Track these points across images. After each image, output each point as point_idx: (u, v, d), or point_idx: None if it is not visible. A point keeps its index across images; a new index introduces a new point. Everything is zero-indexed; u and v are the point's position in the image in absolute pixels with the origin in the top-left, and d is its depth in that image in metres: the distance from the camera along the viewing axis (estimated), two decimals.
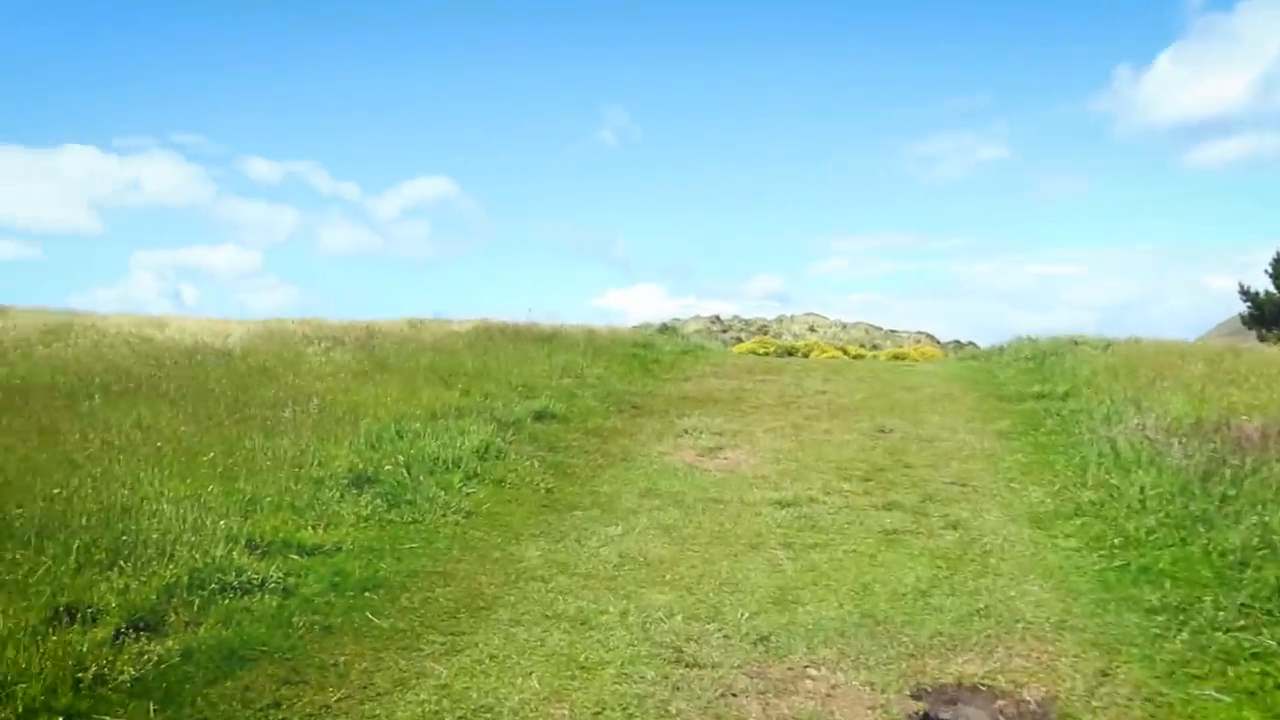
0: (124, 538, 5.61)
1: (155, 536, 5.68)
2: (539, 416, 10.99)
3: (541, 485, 8.30)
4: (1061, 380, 14.12)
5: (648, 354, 18.06)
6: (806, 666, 4.73)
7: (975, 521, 7.44)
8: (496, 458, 8.83)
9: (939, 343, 34.26)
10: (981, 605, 5.57)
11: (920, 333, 36.09)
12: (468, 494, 7.71)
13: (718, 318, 40.06)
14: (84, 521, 5.75)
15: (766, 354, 25.48)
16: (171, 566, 5.40)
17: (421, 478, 7.78)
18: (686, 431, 11.06)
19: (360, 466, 7.70)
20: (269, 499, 6.74)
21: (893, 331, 36.06)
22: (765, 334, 34.70)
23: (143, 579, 5.23)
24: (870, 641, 5.04)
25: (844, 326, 36.41)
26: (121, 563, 5.36)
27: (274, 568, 5.66)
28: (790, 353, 27.40)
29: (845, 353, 26.99)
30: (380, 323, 18.45)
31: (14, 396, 8.53)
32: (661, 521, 7.37)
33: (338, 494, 7.14)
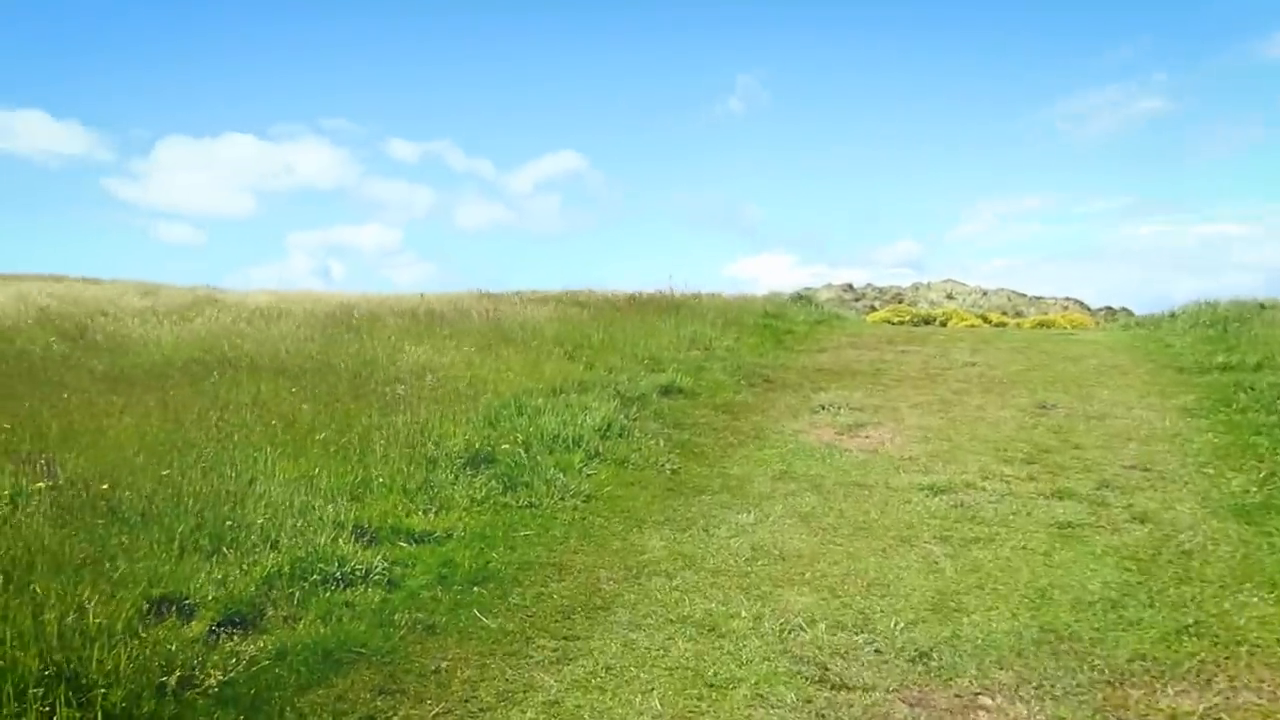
0: (229, 522, 5.35)
1: (261, 522, 5.40)
2: (665, 391, 10.42)
3: (667, 466, 7.72)
4: (1251, 350, 12.49)
5: (780, 324, 17.22)
6: (978, 693, 3.98)
7: (1166, 514, 6.41)
8: (619, 436, 8.30)
9: (1088, 309, 31.95)
10: (1190, 620, 4.65)
11: (1068, 299, 33.78)
12: (588, 475, 7.22)
13: (850, 286, 38.73)
14: (191, 504, 5.53)
15: (901, 323, 24.32)
16: (274, 555, 5.10)
17: (540, 457, 7.33)
18: (823, 407, 10.26)
19: (477, 445, 7.32)
20: (380, 481, 6.41)
21: (1037, 298, 33.91)
22: (900, 302, 33.39)
23: (244, 568, 4.94)
24: (1054, 663, 4.22)
25: (984, 293, 34.45)
26: (225, 549, 5.10)
27: (380, 556, 5.29)
28: (927, 321, 26.15)
29: (986, 320, 25.35)
30: (507, 295, 18.30)
31: (142, 374, 8.57)
32: (798, 509, 6.67)
33: (452, 475, 6.76)
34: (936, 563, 5.57)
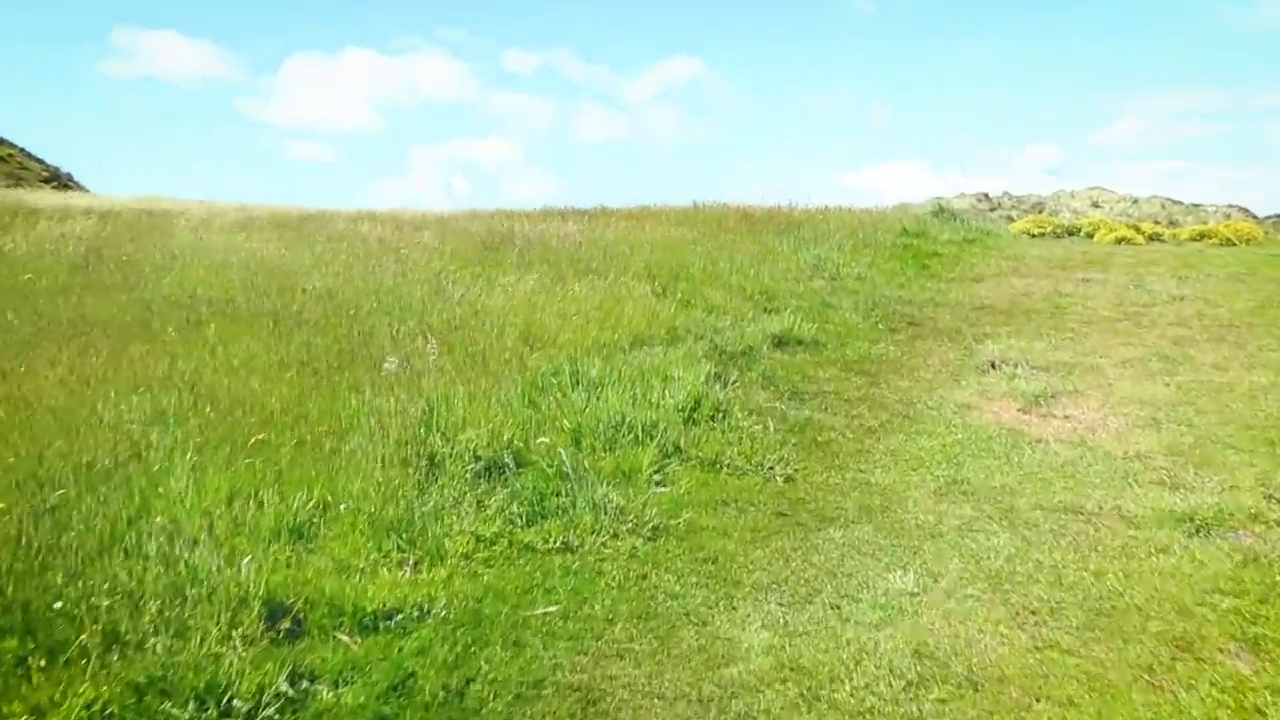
0: (61, 602, 3.33)
1: (123, 609, 3.36)
2: (779, 342, 7.98)
3: (778, 471, 5.35)
4: None
5: (922, 244, 14.32)
6: None
7: None
8: (712, 420, 5.96)
9: (1255, 218, 27.60)
10: None
11: (1230, 206, 29.50)
12: (658, 492, 4.92)
13: (985, 195, 34.21)
14: (31, 556, 3.54)
15: (1042, 234, 21.47)
16: (124, 666, 3.06)
17: (592, 459, 5.09)
18: (994, 365, 7.63)
19: (501, 440, 5.10)
20: (346, 504, 4.29)
21: (1195, 205, 29.79)
22: (1040, 211, 29.98)
23: (76, 689, 2.93)
24: None
25: (1134, 201, 30.53)
26: (33, 658, 3.08)
27: (290, 671, 3.18)
28: (1071, 232, 23.41)
29: (1138, 231, 21.79)
30: (595, 211, 15.93)
31: (114, 319, 6.68)
32: (982, 561, 4.23)
33: (455, 492, 4.59)
34: (1263, 713, 3.08)
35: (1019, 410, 6.50)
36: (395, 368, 5.88)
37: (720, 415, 6.00)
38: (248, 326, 6.76)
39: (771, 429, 5.93)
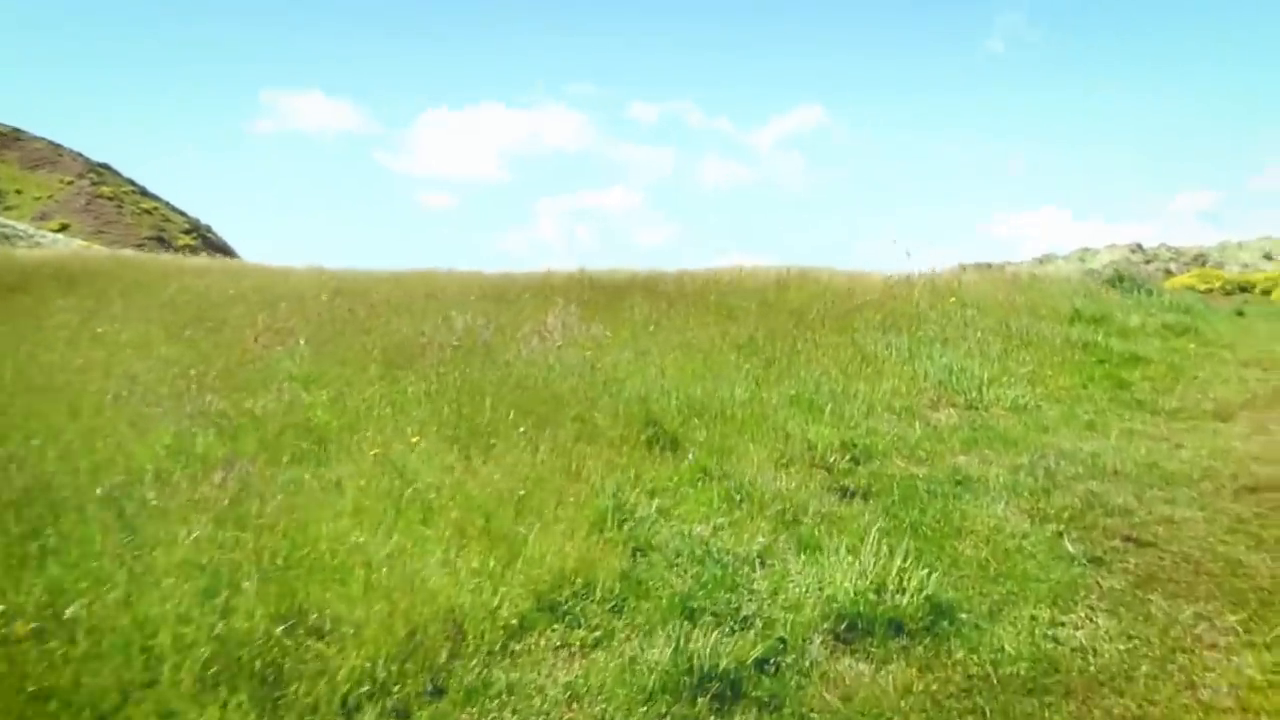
0: None
1: None
2: (846, 625, 3.60)
3: None
4: None
5: (1109, 340, 9.55)
6: None
7: None
8: None
9: None
10: None
11: None
12: None
13: (1139, 246, 31.50)
14: None
15: (1209, 290, 17.37)
16: None
17: None
18: None
19: None
20: None
21: None
22: (1203, 264, 26.51)
23: None
24: None
25: None
26: None
27: None
28: (1243, 288, 19.66)
29: None
30: (654, 281, 11.80)
31: None
32: None
33: None
34: None
35: None
36: None
37: None
38: None
39: None
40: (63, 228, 61.56)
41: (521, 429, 5.61)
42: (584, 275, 11.19)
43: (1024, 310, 10.31)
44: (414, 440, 5.10)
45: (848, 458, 5.78)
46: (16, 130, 70.79)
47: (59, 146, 71.54)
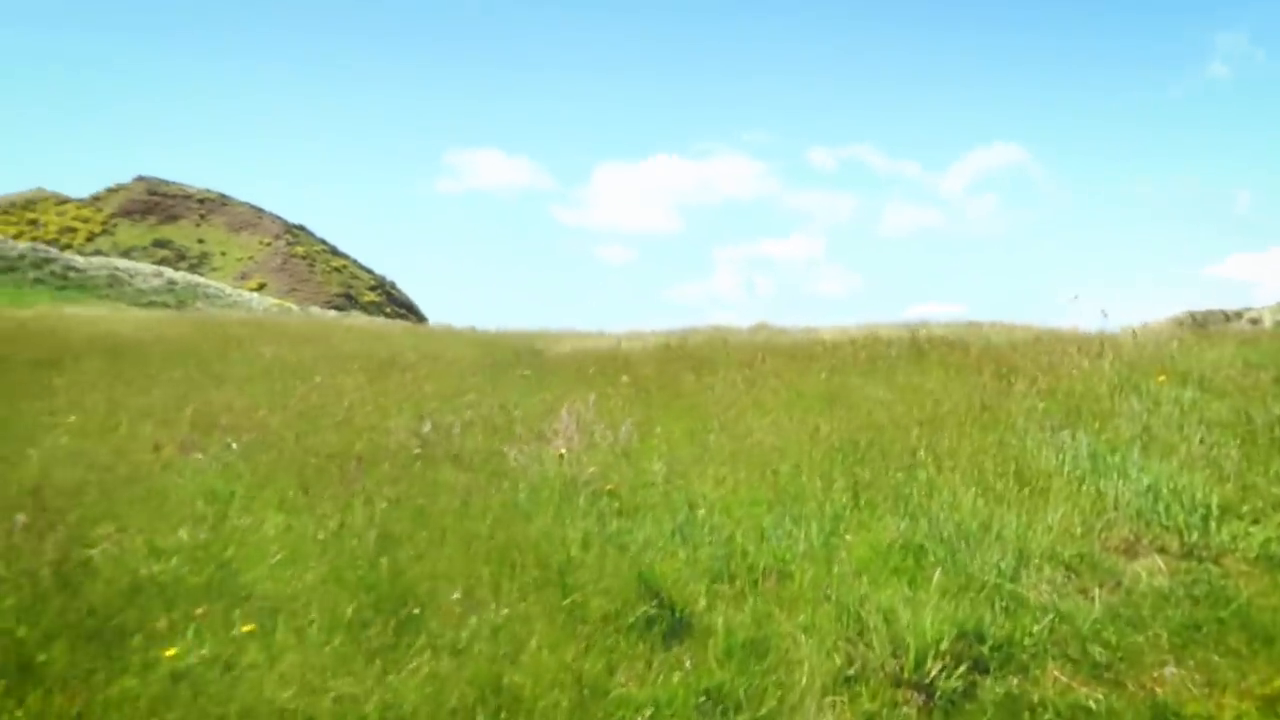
0: None
1: None
2: None
3: None
4: None
5: None
6: None
7: None
8: None
9: None
10: None
11: None
12: None
13: None
14: None
15: None
16: None
17: None
18: None
19: None
20: None
21: None
22: None
23: None
24: None
25: None
26: None
27: None
28: None
29: None
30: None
31: None
32: None
33: None
34: None
35: None
36: None
37: None
38: None
39: None
40: (260, 286, 65.77)
41: (457, 595, 3.64)
42: (671, 339, 9.13)
43: (1267, 390, 7.36)
44: (297, 626, 3.22)
45: (965, 665, 3.42)
46: (223, 196, 76.78)
47: (260, 210, 76.95)
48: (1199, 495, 5.16)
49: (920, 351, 8.02)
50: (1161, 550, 4.76)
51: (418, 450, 4.95)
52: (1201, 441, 5.93)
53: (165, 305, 33.49)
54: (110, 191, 76.81)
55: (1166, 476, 5.37)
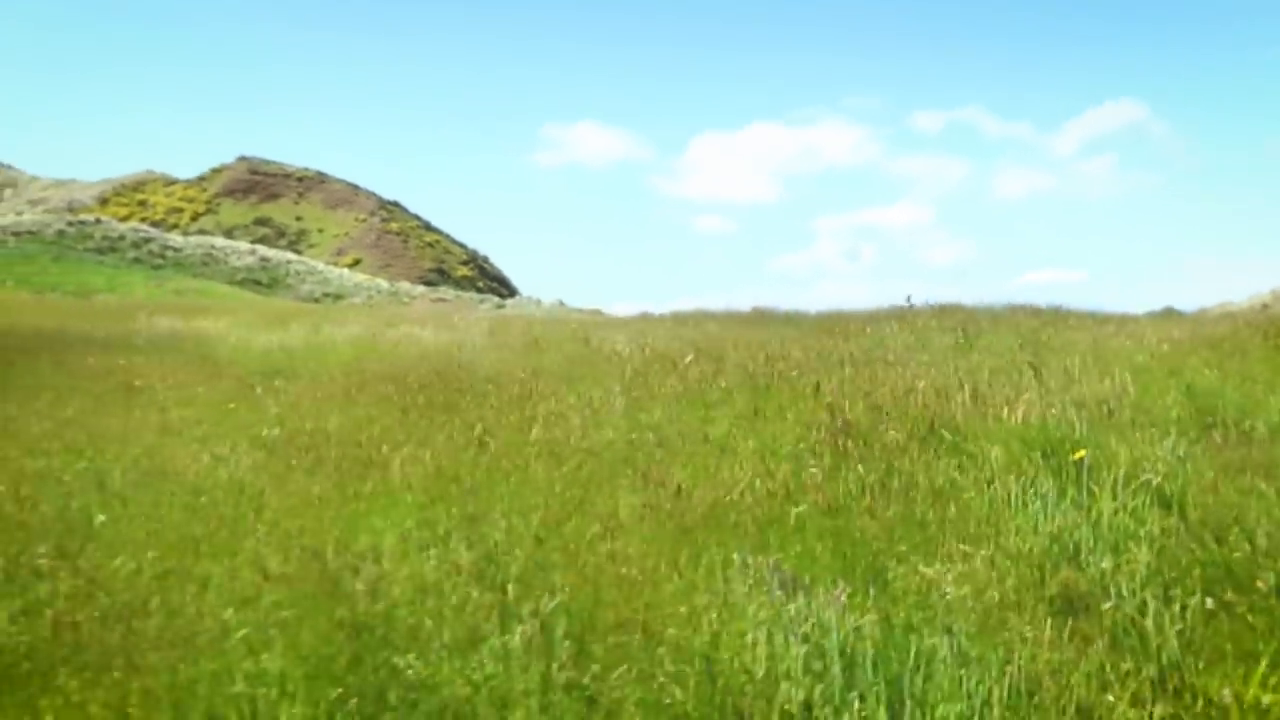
0: None
1: None
2: None
3: None
4: None
5: None
6: None
7: None
8: None
9: None
10: None
11: None
12: None
13: None
14: None
15: None
16: None
17: None
18: None
19: None
20: None
21: None
22: None
23: None
24: None
25: None
26: None
27: None
28: None
29: None
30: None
31: None
32: None
33: None
34: None
35: None
36: None
37: None
38: None
39: None
40: (355, 263, 67.14)
41: None
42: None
43: None
44: None
45: None
46: (321, 174, 78.65)
47: (356, 186, 78.58)
48: None
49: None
50: None
51: None
52: None
53: (256, 282, 34.27)
54: (214, 172, 79.59)
55: None
